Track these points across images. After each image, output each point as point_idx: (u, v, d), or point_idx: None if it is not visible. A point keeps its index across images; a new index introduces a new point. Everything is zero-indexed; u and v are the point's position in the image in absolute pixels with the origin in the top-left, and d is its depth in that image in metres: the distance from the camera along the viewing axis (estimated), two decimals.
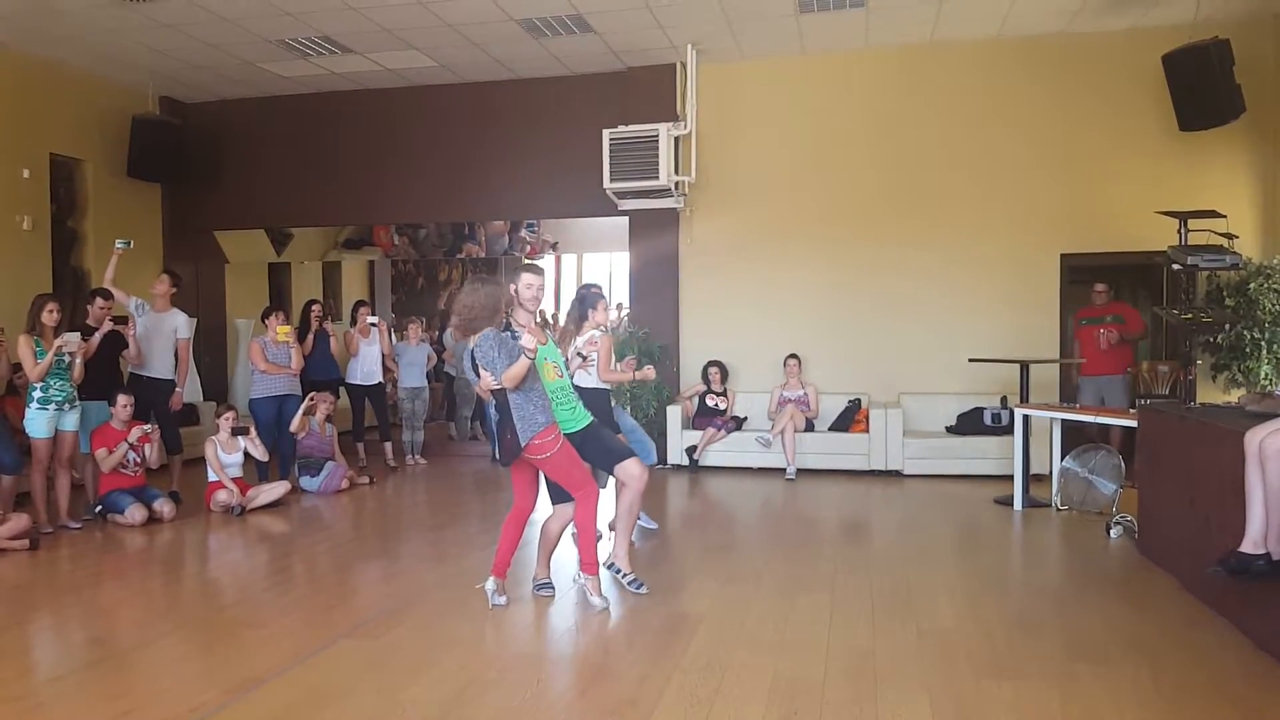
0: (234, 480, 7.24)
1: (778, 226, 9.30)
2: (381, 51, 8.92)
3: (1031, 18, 8.21)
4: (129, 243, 7.47)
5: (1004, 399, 8.48)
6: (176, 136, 10.15)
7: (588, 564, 4.71)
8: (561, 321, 14.48)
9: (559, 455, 4.52)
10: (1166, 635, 4.23)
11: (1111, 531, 6.15)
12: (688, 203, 9.36)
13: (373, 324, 9.08)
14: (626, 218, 9.56)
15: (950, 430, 8.68)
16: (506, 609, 4.67)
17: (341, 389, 9.11)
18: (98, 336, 6.87)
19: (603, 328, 5.68)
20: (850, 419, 8.88)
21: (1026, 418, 7.14)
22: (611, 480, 5.04)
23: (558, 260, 16.18)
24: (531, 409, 4.47)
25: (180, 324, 7.63)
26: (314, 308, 8.89)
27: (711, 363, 9.16)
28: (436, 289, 15.45)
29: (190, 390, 8.90)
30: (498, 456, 9.71)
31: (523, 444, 4.45)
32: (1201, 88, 7.63)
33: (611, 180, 8.87)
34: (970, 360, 8.21)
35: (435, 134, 10.09)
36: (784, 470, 8.59)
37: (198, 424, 9.37)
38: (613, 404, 5.99)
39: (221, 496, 7.15)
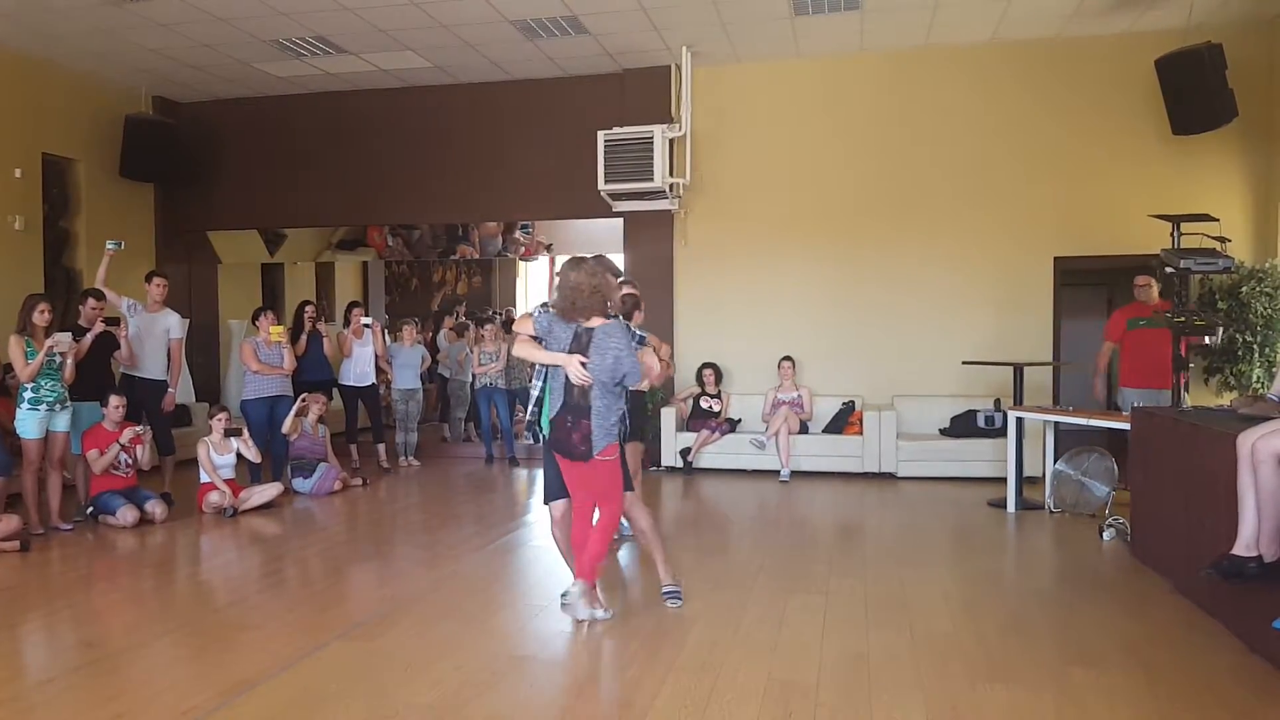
0: (226, 482, 7.21)
1: (772, 229, 9.31)
2: (376, 52, 8.91)
3: (1025, 22, 8.23)
4: (120, 244, 7.44)
5: (997, 401, 8.49)
6: (170, 136, 10.12)
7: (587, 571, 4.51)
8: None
9: (615, 465, 4.47)
10: (1159, 638, 4.24)
11: (1104, 534, 6.17)
12: (682, 204, 9.36)
13: (366, 325, 9.06)
14: (621, 219, 9.57)
15: (944, 433, 8.69)
16: (506, 613, 4.66)
17: (335, 390, 9.09)
18: (89, 337, 6.84)
19: None
20: (844, 421, 8.89)
21: (1020, 420, 7.16)
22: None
23: (552, 262, 16.17)
24: (614, 419, 4.42)
25: (173, 324, 7.60)
26: (307, 309, 8.87)
27: (706, 365, 9.16)
28: (430, 290, 15.43)
29: (182, 391, 8.88)
30: (512, 455, 9.72)
31: (594, 451, 4.35)
32: (1194, 92, 7.66)
33: (606, 182, 8.88)
34: (964, 363, 8.24)
35: (429, 135, 10.08)
36: (778, 472, 8.60)
37: (190, 425, 9.33)
38: None
39: (214, 498, 7.13)
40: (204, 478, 7.22)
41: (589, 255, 4.55)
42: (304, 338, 8.62)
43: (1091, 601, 4.85)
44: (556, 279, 4.53)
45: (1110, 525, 6.19)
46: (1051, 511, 6.95)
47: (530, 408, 4.72)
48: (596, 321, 4.39)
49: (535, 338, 4.50)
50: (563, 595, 4.47)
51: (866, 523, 7.01)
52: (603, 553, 4.50)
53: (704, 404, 9.11)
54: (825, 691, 3.60)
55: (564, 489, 4.64)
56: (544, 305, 4.63)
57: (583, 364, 4.32)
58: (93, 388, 6.89)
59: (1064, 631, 4.37)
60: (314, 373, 8.65)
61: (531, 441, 10.25)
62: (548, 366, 4.53)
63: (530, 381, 4.83)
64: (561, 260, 15.68)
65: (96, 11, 7.73)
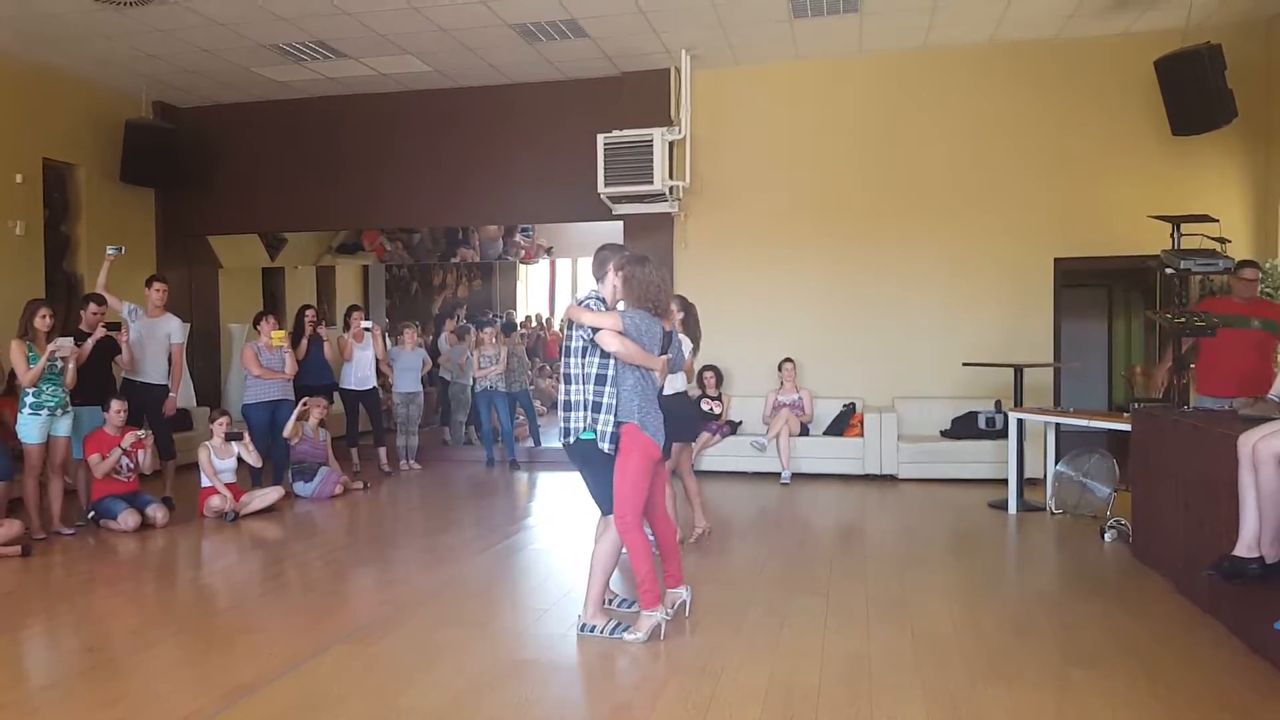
0: (228, 486, 7.22)
1: (772, 231, 9.32)
2: (375, 56, 8.92)
3: (1025, 23, 8.24)
4: (120, 249, 7.44)
5: (998, 403, 8.49)
6: (170, 141, 10.13)
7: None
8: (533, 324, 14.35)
9: None
10: (1161, 639, 4.24)
11: (1105, 535, 6.17)
12: (682, 207, 9.37)
13: (367, 329, 9.06)
14: (621, 222, 9.57)
15: (944, 434, 8.69)
16: (508, 617, 4.66)
17: (336, 394, 9.09)
18: (90, 342, 6.85)
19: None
20: (845, 423, 8.89)
21: (1020, 421, 7.16)
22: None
23: (552, 265, 16.19)
24: None
25: (174, 329, 7.61)
26: (308, 313, 8.87)
27: (706, 367, 9.15)
28: (431, 294, 15.42)
29: (184, 395, 8.88)
30: (513, 458, 9.73)
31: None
32: (1194, 92, 7.65)
33: (606, 185, 8.89)
34: (964, 364, 8.24)
35: (429, 139, 10.10)
36: (779, 474, 8.60)
37: (191, 429, 9.33)
38: None
39: (215, 502, 7.13)
40: (205, 482, 7.22)
41: (612, 247, 4.46)
42: (304, 342, 8.62)
43: (1092, 602, 4.85)
44: (619, 276, 4.31)
45: (1111, 526, 6.18)
46: (1053, 513, 6.95)
47: (612, 418, 4.23)
48: (668, 321, 4.46)
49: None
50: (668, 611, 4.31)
51: (867, 524, 7.00)
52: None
53: (704, 406, 9.10)
54: (827, 693, 3.60)
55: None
56: (599, 299, 4.36)
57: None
58: (94, 392, 6.89)
59: (1065, 632, 4.36)
60: (315, 377, 8.65)
61: (529, 446, 10.36)
62: (610, 370, 4.24)
63: (591, 385, 4.25)
64: (561, 264, 15.66)
65: (96, 17, 7.74)
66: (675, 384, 5.63)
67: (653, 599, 4.22)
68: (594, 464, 4.29)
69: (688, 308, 5.94)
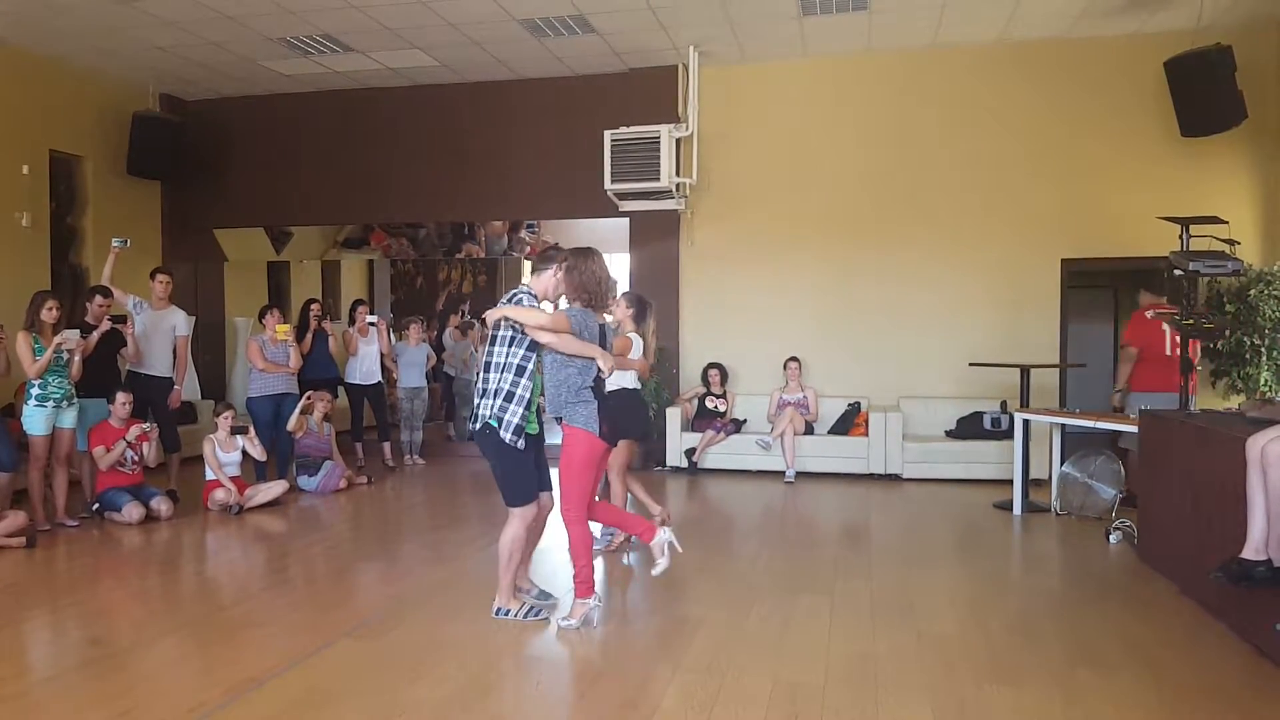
0: (232, 479, 7.22)
1: (778, 229, 9.30)
2: (383, 50, 8.91)
3: (1034, 22, 8.21)
4: (126, 241, 7.47)
5: (1004, 403, 8.47)
6: (177, 134, 10.14)
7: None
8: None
9: None
10: (1166, 641, 4.23)
11: (1111, 537, 6.15)
12: (688, 205, 9.36)
13: (372, 323, 9.06)
14: (627, 219, 9.56)
15: (950, 434, 8.67)
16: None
17: (341, 388, 9.09)
18: (96, 334, 6.85)
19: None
20: (850, 422, 8.87)
21: (1026, 422, 7.14)
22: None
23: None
24: None
25: (179, 322, 7.62)
26: (313, 307, 8.87)
27: (711, 365, 9.15)
28: (436, 289, 15.43)
29: (189, 388, 8.88)
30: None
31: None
32: (1204, 93, 7.63)
33: (612, 181, 8.87)
34: (971, 365, 8.22)
35: (436, 133, 10.09)
36: (783, 473, 8.59)
37: (196, 422, 9.35)
38: None
39: (219, 495, 7.13)
40: (209, 475, 7.22)
41: (559, 249, 4.54)
42: (309, 336, 8.63)
43: (1098, 604, 4.84)
44: (563, 268, 4.38)
45: (1117, 528, 6.17)
46: (1058, 514, 6.93)
47: (519, 409, 4.31)
48: (609, 315, 4.54)
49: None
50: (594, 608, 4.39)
51: (872, 524, 6.99)
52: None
53: (709, 404, 9.10)
54: (831, 693, 3.59)
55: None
56: (530, 294, 4.40)
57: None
58: (99, 385, 6.90)
59: (1070, 633, 4.35)
60: (319, 371, 8.66)
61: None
62: (530, 364, 4.34)
63: (510, 375, 4.31)
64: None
65: (104, 9, 7.73)
66: (620, 381, 5.53)
67: (587, 589, 4.36)
68: (496, 453, 4.36)
69: (642, 305, 5.78)
